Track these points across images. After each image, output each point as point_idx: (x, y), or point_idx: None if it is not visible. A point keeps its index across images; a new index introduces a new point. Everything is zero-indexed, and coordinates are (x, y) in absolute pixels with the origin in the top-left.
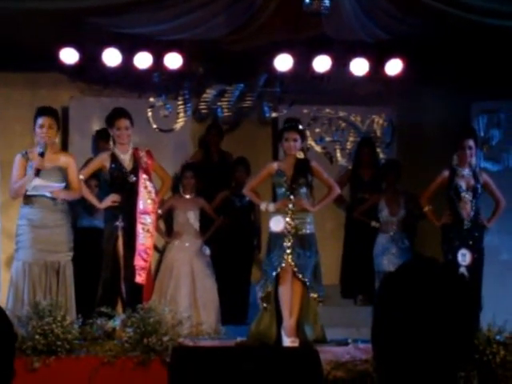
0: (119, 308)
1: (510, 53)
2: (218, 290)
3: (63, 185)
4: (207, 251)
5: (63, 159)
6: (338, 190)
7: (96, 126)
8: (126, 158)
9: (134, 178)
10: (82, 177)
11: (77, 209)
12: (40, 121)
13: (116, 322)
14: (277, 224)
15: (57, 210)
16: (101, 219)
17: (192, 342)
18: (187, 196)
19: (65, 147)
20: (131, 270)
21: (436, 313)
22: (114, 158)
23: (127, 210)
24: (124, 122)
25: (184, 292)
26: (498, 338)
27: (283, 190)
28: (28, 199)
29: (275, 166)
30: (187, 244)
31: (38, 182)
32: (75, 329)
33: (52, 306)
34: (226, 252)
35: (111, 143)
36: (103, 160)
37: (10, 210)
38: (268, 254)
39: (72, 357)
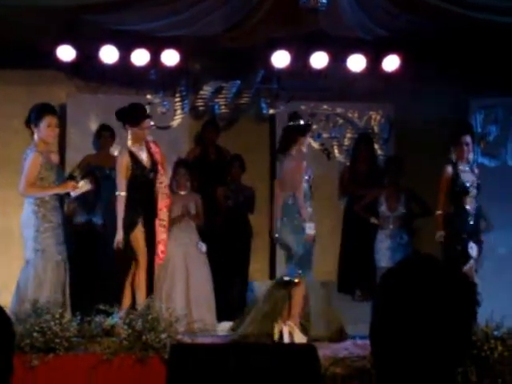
0: (127, 300)
1: (508, 49)
2: (215, 287)
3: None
4: (203, 248)
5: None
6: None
7: (93, 122)
8: (143, 156)
9: (152, 174)
10: (122, 193)
11: (73, 205)
12: (49, 119)
13: (114, 320)
14: (312, 228)
15: (60, 209)
16: (98, 215)
17: (190, 339)
18: (182, 192)
19: (62, 144)
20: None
21: (434, 309)
22: (134, 158)
23: (147, 207)
24: (149, 122)
25: (179, 288)
26: (495, 333)
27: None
28: (41, 199)
29: None
30: (183, 240)
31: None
32: (73, 326)
33: (50, 303)
34: (222, 249)
35: (129, 141)
36: (127, 163)
37: (9, 208)
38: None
39: (70, 354)
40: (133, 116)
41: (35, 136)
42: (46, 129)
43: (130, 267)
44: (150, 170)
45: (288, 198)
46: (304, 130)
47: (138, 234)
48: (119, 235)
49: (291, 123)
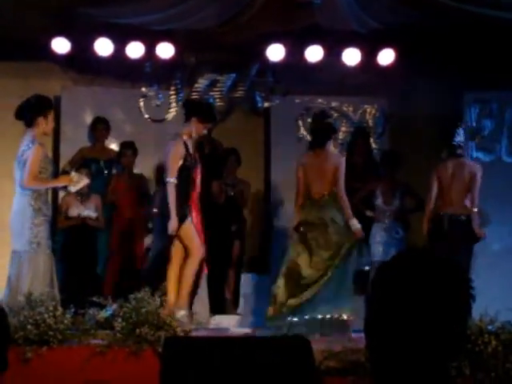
0: (172, 296)
1: (503, 43)
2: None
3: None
4: None
5: None
6: None
7: (88, 115)
8: (191, 149)
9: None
10: (173, 180)
11: (68, 198)
12: (52, 112)
13: (108, 312)
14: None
15: (50, 203)
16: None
17: (184, 332)
18: None
19: (57, 137)
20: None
21: (429, 302)
22: (187, 149)
23: (188, 198)
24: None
25: None
26: (489, 328)
27: None
28: (39, 192)
29: None
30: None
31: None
32: (67, 319)
33: (43, 295)
34: (216, 242)
35: (187, 133)
36: (183, 153)
37: (4, 200)
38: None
39: (64, 347)
40: (208, 114)
41: (36, 128)
42: (52, 121)
43: (171, 260)
44: (194, 163)
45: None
46: (335, 130)
47: (190, 227)
48: (174, 223)
49: (325, 120)
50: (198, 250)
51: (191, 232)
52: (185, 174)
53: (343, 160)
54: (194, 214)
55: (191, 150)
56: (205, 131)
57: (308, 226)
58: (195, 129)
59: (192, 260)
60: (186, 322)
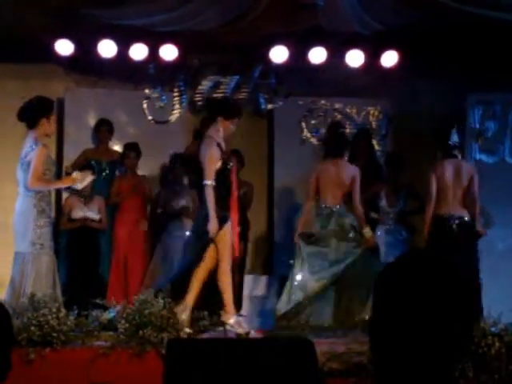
0: (191, 296)
1: (506, 45)
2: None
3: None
4: None
5: None
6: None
7: (91, 117)
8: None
9: (231, 165)
10: (211, 182)
11: (71, 200)
12: (54, 115)
13: (111, 314)
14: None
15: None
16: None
17: (187, 333)
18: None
19: (60, 139)
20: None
21: (433, 304)
22: (221, 149)
23: (227, 199)
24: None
25: None
26: (493, 329)
27: None
28: (42, 193)
29: None
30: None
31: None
32: (71, 320)
33: (47, 297)
34: None
35: (216, 133)
36: (219, 154)
37: (6, 202)
38: None
39: (67, 348)
40: (232, 110)
41: (38, 129)
42: (54, 123)
43: (201, 263)
44: (228, 162)
45: (338, 203)
46: (349, 142)
47: (227, 231)
48: (215, 225)
49: (341, 130)
50: (229, 255)
51: (227, 237)
52: (221, 175)
53: (359, 171)
54: (233, 214)
55: (225, 150)
56: (233, 128)
57: (326, 233)
58: (223, 127)
59: (222, 265)
60: (237, 327)
